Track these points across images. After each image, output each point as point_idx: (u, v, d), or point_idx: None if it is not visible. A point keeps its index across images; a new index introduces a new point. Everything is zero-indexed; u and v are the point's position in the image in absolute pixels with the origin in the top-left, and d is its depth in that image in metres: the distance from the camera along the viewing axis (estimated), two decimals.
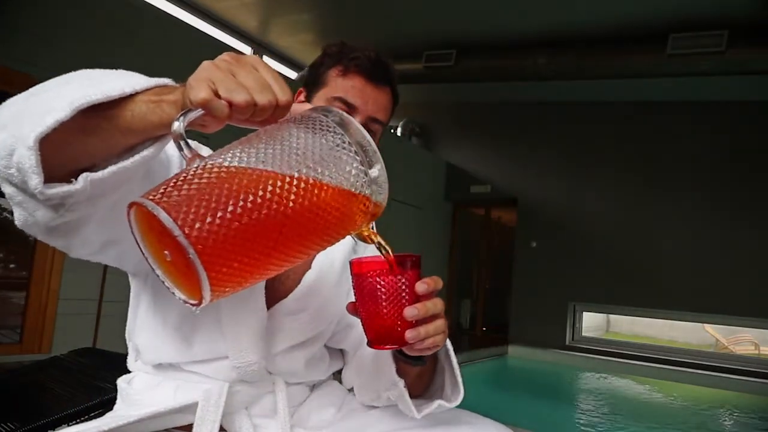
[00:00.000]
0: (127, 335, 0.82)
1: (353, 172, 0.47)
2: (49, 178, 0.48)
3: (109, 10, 3.58)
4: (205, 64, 0.48)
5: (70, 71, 0.53)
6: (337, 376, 0.97)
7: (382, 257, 0.58)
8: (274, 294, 0.79)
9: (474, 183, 7.34)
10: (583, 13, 4.59)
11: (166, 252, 0.41)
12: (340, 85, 0.83)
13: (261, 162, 0.43)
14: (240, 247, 0.40)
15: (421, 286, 0.58)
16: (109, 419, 0.68)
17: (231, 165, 0.42)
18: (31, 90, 0.52)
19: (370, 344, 0.61)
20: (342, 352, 0.94)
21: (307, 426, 0.82)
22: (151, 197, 0.39)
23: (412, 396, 0.74)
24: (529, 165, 7.00)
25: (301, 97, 0.89)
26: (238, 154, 0.43)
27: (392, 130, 7.32)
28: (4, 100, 0.51)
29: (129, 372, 0.82)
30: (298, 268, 0.82)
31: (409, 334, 0.57)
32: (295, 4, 5.10)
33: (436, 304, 0.59)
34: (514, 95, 6.71)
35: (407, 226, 6.48)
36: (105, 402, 0.74)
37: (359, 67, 0.82)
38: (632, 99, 6.19)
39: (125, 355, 0.84)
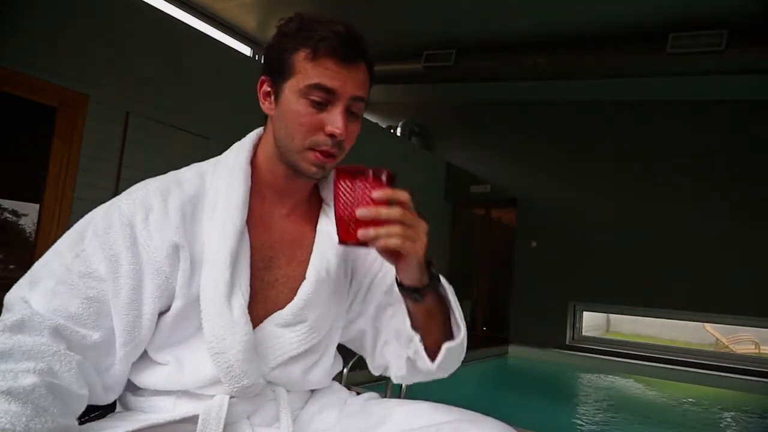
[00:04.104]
0: None
1: None
2: None
3: (109, 11, 3.58)
4: None
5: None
6: (338, 376, 0.96)
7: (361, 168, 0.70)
8: (268, 306, 0.78)
9: (474, 183, 7.35)
10: (583, 12, 4.59)
11: None
12: (312, 71, 0.74)
13: None
14: None
15: (376, 194, 0.67)
16: (107, 425, 0.68)
17: None
18: None
19: (339, 240, 0.71)
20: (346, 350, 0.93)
21: (309, 430, 0.81)
22: None
23: (431, 349, 0.79)
24: (529, 165, 7.00)
25: (266, 87, 0.80)
26: None
27: (392, 130, 7.32)
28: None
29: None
30: (291, 278, 0.81)
31: (359, 233, 0.67)
32: (294, 5, 5.09)
33: (391, 212, 0.67)
34: (514, 95, 6.71)
35: None
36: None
37: (330, 48, 0.73)
38: (632, 99, 6.19)
39: None
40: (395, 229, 0.67)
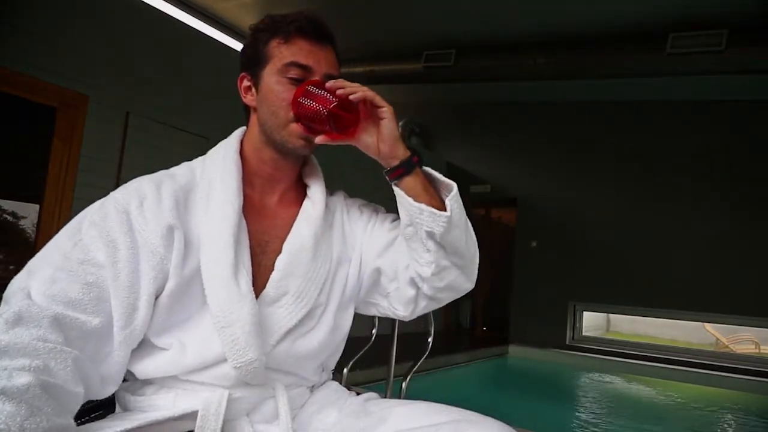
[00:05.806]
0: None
1: None
2: None
3: (109, 11, 3.59)
4: None
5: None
6: (338, 376, 0.96)
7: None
8: (254, 287, 0.79)
9: (474, 183, 7.34)
10: (583, 12, 4.58)
11: None
12: (287, 52, 0.82)
13: None
14: None
15: (329, 84, 0.79)
16: (106, 425, 0.68)
17: None
18: None
19: (326, 134, 0.80)
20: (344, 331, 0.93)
21: (308, 430, 0.81)
22: None
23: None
24: (529, 165, 7.00)
25: (246, 82, 0.87)
26: None
27: None
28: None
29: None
30: (270, 254, 0.83)
31: (338, 92, 0.78)
32: (294, 5, 5.09)
33: (352, 83, 0.80)
34: (514, 95, 6.71)
35: None
36: (105, 403, 0.74)
37: (301, 30, 0.82)
38: (632, 99, 6.19)
39: None
40: (363, 88, 0.79)
